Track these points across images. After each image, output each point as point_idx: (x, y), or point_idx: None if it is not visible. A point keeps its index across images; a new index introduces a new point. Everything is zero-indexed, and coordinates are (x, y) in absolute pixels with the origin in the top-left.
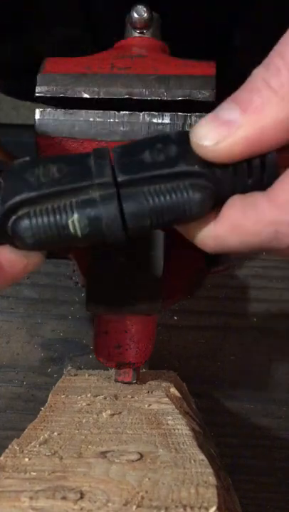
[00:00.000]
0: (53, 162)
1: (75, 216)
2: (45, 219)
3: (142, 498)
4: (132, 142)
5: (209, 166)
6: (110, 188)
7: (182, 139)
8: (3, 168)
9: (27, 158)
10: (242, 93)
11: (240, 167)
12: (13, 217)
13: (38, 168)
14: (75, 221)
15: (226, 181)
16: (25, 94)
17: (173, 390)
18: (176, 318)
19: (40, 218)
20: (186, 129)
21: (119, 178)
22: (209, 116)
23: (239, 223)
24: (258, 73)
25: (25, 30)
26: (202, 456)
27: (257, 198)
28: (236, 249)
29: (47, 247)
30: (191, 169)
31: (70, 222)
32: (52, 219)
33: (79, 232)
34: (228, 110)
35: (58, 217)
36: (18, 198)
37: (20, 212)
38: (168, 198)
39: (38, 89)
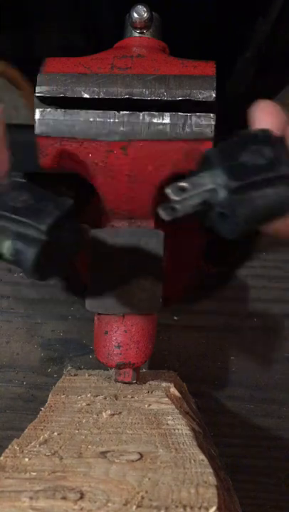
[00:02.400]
0: (28, 191)
1: (8, 242)
2: None
3: (142, 498)
4: (223, 144)
5: None
6: (42, 235)
7: (273, 139)
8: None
9: (20, 180)
10: None
11: None
12: None
13: (16, 191)
14: (6, 245)
15: None
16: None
17: (173, 390)
18: (176, 318)
19: None
20: (186, 129)
21: (232, 185)
22: (268, 104)
23: None
24: None
25: (23, 25)
26: (202, 456)
27: None
28: None
29: None
30: None
31: (4, 243)
32: None
33: (7, 255)
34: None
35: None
36: None
37: None
38: (273, 198)
39: (38, 89)
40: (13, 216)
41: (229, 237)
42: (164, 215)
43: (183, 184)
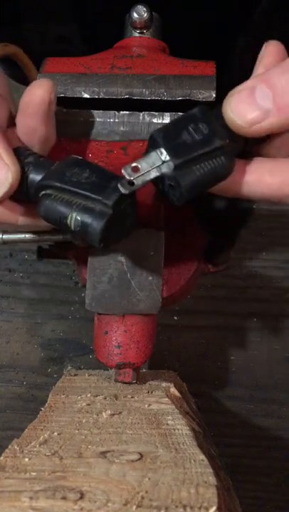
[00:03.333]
0: (89, 168)
1: (74, 214)
2: (56, 205)
3: (142, 498)
4: (167, 126)
5: (232, 135)
6: (109, 209)
7: (208, 116)
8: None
9: (78, 157)
10: (276, 79)
11: None
12: (41, 193)
13: (76, 167)
14: (73, 217)
15: (241, 144)
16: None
17: (173, 390)
18: (176, 318)
19: (54, 202)
20: None
21: (176, 162)
22: (245, 95)
23: (266, 180)
24: None
25: (20, 21)
26: (202, 456)
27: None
28: (258, 196)
29: (51, 222)
30: (224, 143)
31: (69, 215)
32: (60, 207)
33: (72, 226)
34: (263, 96)
35: (64, 208)
36: (47, 182)
37: (44, 192)
38: (211, 168)
39: None
40: (79, 190)
41: (177, 203)
42: (122, 189)
43: (135, 164)
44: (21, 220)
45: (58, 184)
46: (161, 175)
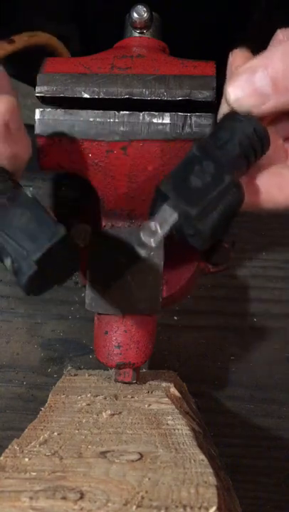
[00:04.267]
0: (30, 211)
1: (7, 260)
2: None
3: (142, 498)
4: (172, 175)
5: (237, 157)
6: (33, 265)
7: (207, 151)
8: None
9: (28, 197)
10: (276, 63)
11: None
12: None
13: (21, 209)
14: (7, 262)
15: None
16: (23, 77)
17: (173, 390)
18: (176, 318)
19: None
20: (187, 129)
21: (193, 212)
22: (244, 79)
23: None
24: None
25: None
26: (202, 456)
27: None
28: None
29: None
30: (233, 176)
31: (4, 259)
32: None
33: (8, 269)
34: (262, 81)
35: (1, 253)
36: None
37: None
38: (227, 205)
39: (38, 89)
40: (11, 237)
41: (201, 248)
42: (143, 253)
43: (151, 226)
44: None
45: None
46: (178, 227)
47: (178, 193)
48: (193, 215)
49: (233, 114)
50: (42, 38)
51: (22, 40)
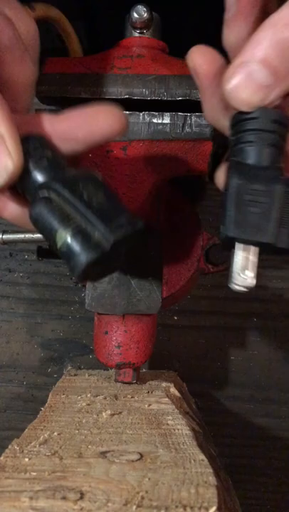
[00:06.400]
0: (104, 193)
1: (67, 233)
2: (53, 214)
3: (142, 498)
4: (227, 216)
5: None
6: (107, 245)
7: (246, 175)
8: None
9: (99, 176)
10: (268, 50)
11: None
12: (42, 194)
13: (93, 185)
14: (63, 236)
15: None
16: None
17: (173, 390)
18: (176, 318)
19: (51, 210)
20: (187, 129)
21: (272, 239)
22: (244, 79)
23: None
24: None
25: None
26: (202, 456)
27: None
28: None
29: (37, 228)
30: (285, 183)
31: (60, 232)
32: (55, 219)
33: (58, 245)
34: (261, 74)
35: (59, 221)
36: (54, 185)
37: (46, 195)
38: None
39: (38, 89)
40: (84, 210)
41: None
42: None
43: (241, 275)
44: (8, 214)
45: (66, 193)
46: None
47: (245, 230)
48: (272, 242)
49: (240, 116)
50: (56, 13)
51: (41, 9)
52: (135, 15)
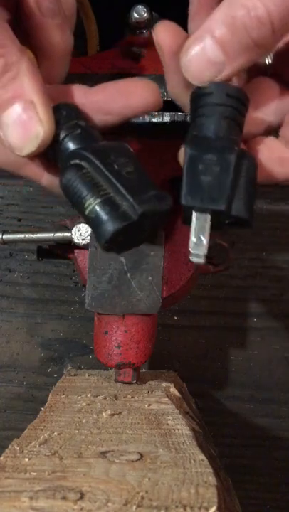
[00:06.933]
0: (135, 165)
1: (96, 201)
2: (83, 181)
3: (142, 498)
4: (183, 184)
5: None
6: (135, 215)
7: (199, 146)
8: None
9: (130, 148)
10: (220, 27)
11: None
12: (73, 161)
13: (124, 157)
14: (92, 203)
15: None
16: None
17: (173, 390)
18: (176, 318)
19: (81, 178)
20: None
21: (222, 207)
22: (196, 52)
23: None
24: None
25: None
26: (202, 456)
27: None
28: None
29: (67, 196)
30: (237, 151)
31: (90, 199)
32: (85, 186)
33: (86, 211)
34: (212, 50)
35: (89, 189)
36: (85, 153)
37: (77, 162)
38: (247, 180)
39: None
40: (114, 180)
41: (251, 227)
42: (197, 260)
43: (193, 240)
44: (44, 181)
45: (97, 161)
46: (217, 224)
47: (198, 198)
48: (224, 209)
49: (198, 91)
50: None
51: None
52: (135, 15)
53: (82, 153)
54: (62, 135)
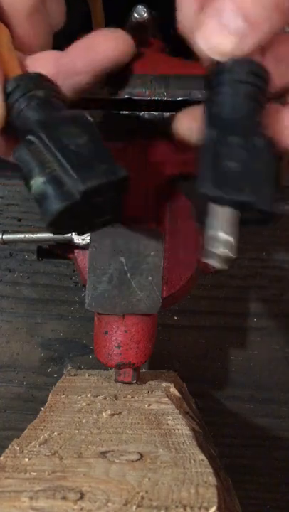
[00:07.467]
0: (88, 135)
1: (41, 179)
2: (31, 158)
3: (142, 498)
4: (202, 172)
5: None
6: (76, 195)
7: (222, 127)
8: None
9: (87, 117)
10: None
11: None
12: (26, 136)
13: (77, 127)
14: (38, 181)
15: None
16: None
17: (173, 390)
18: (176, 318)
19: (30, 154)
20: None
21: (253, 198)
22: (214, 25)
23: None
24: None
25: None
26: (202, 456)
27: None
28: None
29: (19, 170)
30: (262, 135)
31: (35, 177)
32: (33, 163)
33: (32, 189)
34: (234, 21)
35: (36, 166)
36: (36, 129)
37: (29, 137)
38: (273, 167)
39: None
40: (60, 157)
41: (271, 223)
42: (219, 265)
43: (215, 236)
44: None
45: (45, 139)
46: (244, 220)
47: (223, 187)
48: (253, 200)
49: (217, 69)
50: None
51: None
52: (135, 15)
53: (32, 127)
54: (17, 109)
